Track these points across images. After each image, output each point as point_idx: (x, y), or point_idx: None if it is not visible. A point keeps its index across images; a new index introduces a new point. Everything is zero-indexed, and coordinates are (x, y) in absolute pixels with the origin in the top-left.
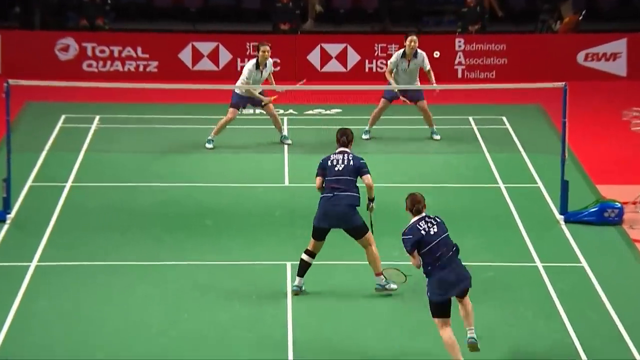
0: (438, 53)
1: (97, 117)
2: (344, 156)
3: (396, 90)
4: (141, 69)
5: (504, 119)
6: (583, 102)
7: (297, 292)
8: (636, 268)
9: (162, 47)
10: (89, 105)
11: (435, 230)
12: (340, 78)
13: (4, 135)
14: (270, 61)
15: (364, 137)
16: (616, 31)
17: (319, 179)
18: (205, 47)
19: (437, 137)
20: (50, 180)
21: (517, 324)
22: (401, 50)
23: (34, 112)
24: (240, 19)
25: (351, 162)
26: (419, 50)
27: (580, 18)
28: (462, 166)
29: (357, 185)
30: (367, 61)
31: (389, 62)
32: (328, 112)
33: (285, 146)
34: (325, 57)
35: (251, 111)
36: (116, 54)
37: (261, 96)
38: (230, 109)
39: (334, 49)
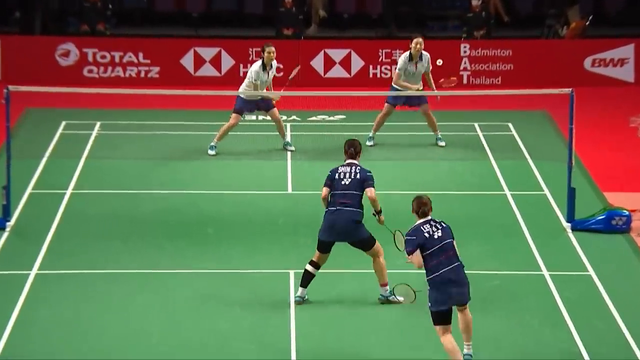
0: (441, 61)
1: (98, 124)
2: (351, 169)
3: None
4: (143, 74)
5: (510, 125)
6: (590, 108)
7: (300, 302)
8: None
9: (163, 52)
10: (89, 111)
11: (440, 235)
12: (344, 84)
13: (4, 142)
14: (274, 63)
15: (368, 143)
16: (624, 37)
17: (325, 189)
18: (208, 52)
19: (442, 143)
20: (50, 188)
21: (523, 333)
22: (407, 53)
23: (34, 118)
24: (243, 24)
25: (357, 176)
26: (423, 52)
27: (587, 23)
28: (467, 173)
29: (364, 199)
30: (371, 67)
31: (397, 68)
32: (332, 118)
33: (289, 153)
34: (329, 63)
35: (254, 117)
36: (117, 60)
37: (270, 93)
38: (233, 115)
39: (337, 54)
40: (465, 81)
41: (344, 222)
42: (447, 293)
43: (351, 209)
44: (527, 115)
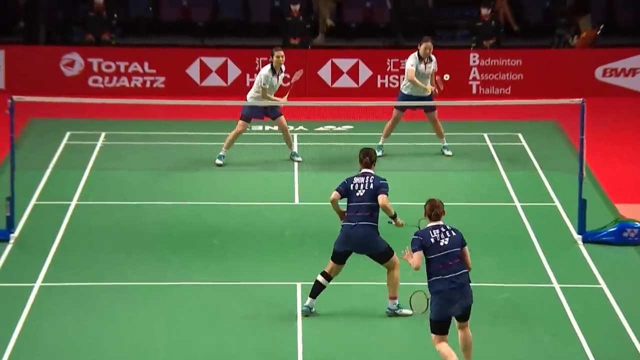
0: (448, 76)
1: (103, 134)
2: (365, 179)
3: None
4: (148, 84)
5: (520, 135)
6: (601, 118)
7: (307, 313)
8: None
9: (169, 62)
10: (94, 122)
11: (446, 243)
12: (351, 94)
13: (8, 153)
14: (283, 67)
15: (377, 153)
16: (635, 46)
17: (335, 193)
18: (214, 62)
19: (449, 152)
20: (54, 199)
21: (533, 347)
22: (415, 53)
23: (39, 129)
24: (250, 34)
25: (371, 186)
26: (431, 55)
27: (599, 32)
28: (476, 184)
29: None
30: (379, 76)
31: (409, 64)
32: (339, 128)
33: (296, 163)
34: (336, 73)
35: (260, 127)
36: (122, 70)
37: (277, 98)
38: (240, 122)
39: (345, 64)
40: (474, 91)
41: (361, 236)
42: (444, 303)
43: (367, 223)
44: (537, 126)
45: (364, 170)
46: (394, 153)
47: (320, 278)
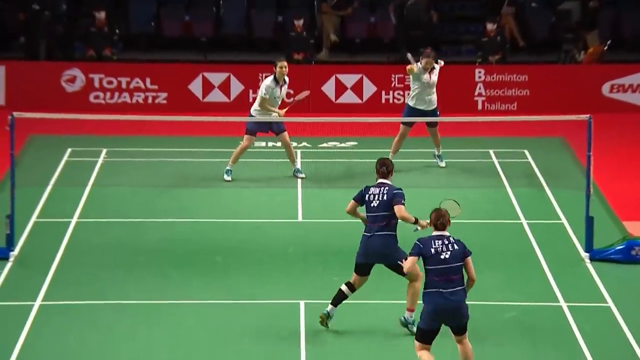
0: (442, 62)
1: (104, 151)
2: (380, 189)
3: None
4: (150, 100)
5: (526, 152)
6: (608, 135)
7: (324, 316)
8: None
9: (171, 78)
10: (95, 138)
11: (447, 257)
12: (355, 109)
13: (8, 170)
14: (287, 78)
15: None
16: None
17: (352, 203)
18: (216, 77)
19: (442, 164)
20: (55, 216)
21: None
22: (419, 63)
23: (39, 145)
24: (253, 49)
25: (385, 197)
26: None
27: (606, 48)
28: (482, 201)
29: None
30: (383, 92)
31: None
32: (343, 144)
33: (299, 180)
34: (340, 88)
35: (263, 144)
36: (124, 85)
37: (277, 110)
38: (246, 136)
39: (349, 79)
40: (480, 107)
41: (378, 247)
42: (435, 317)
43: (384, 232)
44: (544, 142)
45: (380, 180)
46: (399, 169)
47: (344, 287)
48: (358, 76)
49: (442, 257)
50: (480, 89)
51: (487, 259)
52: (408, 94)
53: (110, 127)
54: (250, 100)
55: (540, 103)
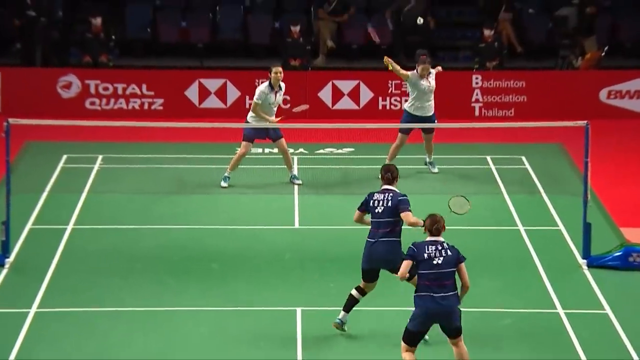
0: (422, 19)
1: (100, 157)
2: (384, 196)
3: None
4: (146, 106)
5: (524, 158)
6: (606, 141)
7: (338, 326)
8: None
9: (167, 84)
10: (91, 144)
11: (439, 262)
12: (352, 116)
13: (4, 176)
14: (283, 85)
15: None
16: None
17: (358, 213)
18: (213, 83)
19: (435, 170)
20: (50, 223)
21: None
22: (414, 71)
23: (35, 151)
24: (249, 55)
25: (389, 203)
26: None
27: (603, 54)
28: (479, 207)
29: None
30: (380, 98)
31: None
32: (340, 151)
33: (296, 186)
34: (337, 94)
35: (260, 150)
36: (120, 92)
37: (269, 117)
38: (244, 143)
39: (346, 85)
40: (477, 113)
41: (381, 253)
42: (425, 320)
43: (388, 239)
44: (541, 148)
45: (385, 186)
46: None
47: (354, 292)
48: (355, 82)
49: (434, 262)
50: (477, 95)
51: (485, 265)
52: (406, 100)
53: (106, 133)
54: (247, 106)
55: (537, 109)
